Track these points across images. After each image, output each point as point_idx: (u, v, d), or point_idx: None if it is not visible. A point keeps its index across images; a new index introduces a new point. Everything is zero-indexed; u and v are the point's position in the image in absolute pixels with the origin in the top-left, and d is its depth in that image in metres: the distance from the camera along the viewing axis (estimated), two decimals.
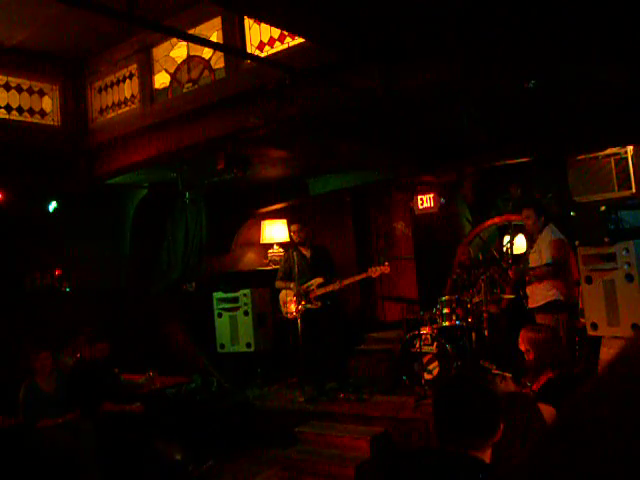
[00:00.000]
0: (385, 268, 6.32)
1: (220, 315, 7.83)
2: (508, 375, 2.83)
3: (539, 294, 5.37)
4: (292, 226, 6.86)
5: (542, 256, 5.37)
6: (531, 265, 5.49)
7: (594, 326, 5.01)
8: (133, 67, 6.54)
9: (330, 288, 6.47)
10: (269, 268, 8.54)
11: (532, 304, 5.42)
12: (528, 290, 5.50)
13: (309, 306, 6.49)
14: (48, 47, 6.35)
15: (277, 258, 8.45)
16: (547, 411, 2.93)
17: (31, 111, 6.69)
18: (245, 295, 7.68)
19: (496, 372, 2.80)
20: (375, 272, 6.36)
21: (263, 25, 5.39)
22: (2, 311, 6.55)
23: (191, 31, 5.55)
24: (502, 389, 2.82)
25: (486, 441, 1.91)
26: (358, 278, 6.60)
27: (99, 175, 7.01)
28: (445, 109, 5.41)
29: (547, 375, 3.49)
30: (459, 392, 2.01)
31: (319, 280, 6.51)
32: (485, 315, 5.80)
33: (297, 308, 6.46)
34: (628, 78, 4.78)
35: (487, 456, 1.93)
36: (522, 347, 3.55)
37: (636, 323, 4.64)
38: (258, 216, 9.04)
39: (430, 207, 7.74)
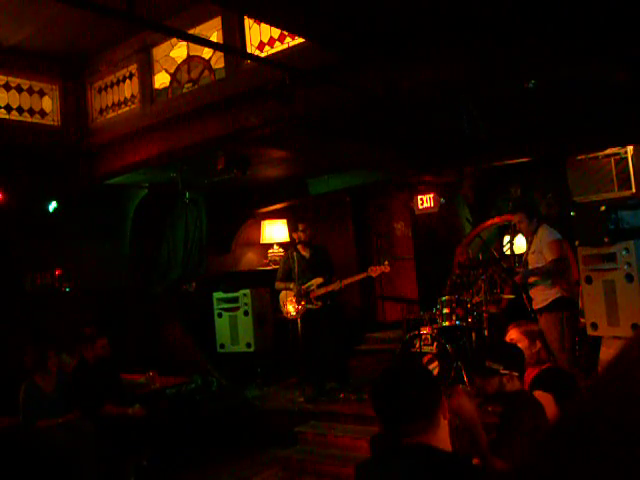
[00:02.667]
0: (385, 267, 6.33)
1: (220, 315, 7.83)
2: (515, 374, 2.84)
3: (542, 294, 5.37)
4: (300, 225, 6.87)
5: (543, 255, 5.38)
6: (531, 266, 5.49)
7: (594, 326, 5.00)
8: (133, 67, 6.54)
9: (331, 288, 6.48)
10: (269, 268, 8.54)
11: (537, 305, 5.43)
12: (532, 293, 5.50)
13: (309, 306, 6.49)
14: (48, 47, 6.35)
15: (277, 258, 8.45)
16: (545, 399, 2.96)
17: (31, 111, 6.69)
18: (245, 295, 7.68)
19: (504, 372, 2.81)
20: (375, 271, 6.37)
21: (263, 25, 5.39)
22: (2, 311, 6.55)
23: (191, 31, 5.54)
24: (509, 388, 2.83)
25: (432, 423, 1.81)
26: (358, 278, 6.61)
27: (99, 175, 7.00)
28: (445, 109, 5.41)
29: (536, 369, 3.51)
30: (390, 382, 1.94)
31: (319, 280, 6.52)
32: (485, 315, 5.81)
33: (297, 308, 6.46)
34: (628, 78, 4.78)
35: (441, 437, 1.83)
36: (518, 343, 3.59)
37: (636, 323, 4.63)
38: (258, 216, 9.04)
39: (430, 207, 7.74)
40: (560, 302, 5.28)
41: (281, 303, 6.81)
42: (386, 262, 6.40)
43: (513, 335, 3.58)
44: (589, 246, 5.02)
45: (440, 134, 6.51)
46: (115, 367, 5.72)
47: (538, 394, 3.07)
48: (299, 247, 6.76)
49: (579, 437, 0.54)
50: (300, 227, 6.84)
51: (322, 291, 6.49)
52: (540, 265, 5.39)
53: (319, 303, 6.50)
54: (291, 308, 6.57)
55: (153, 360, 6.80)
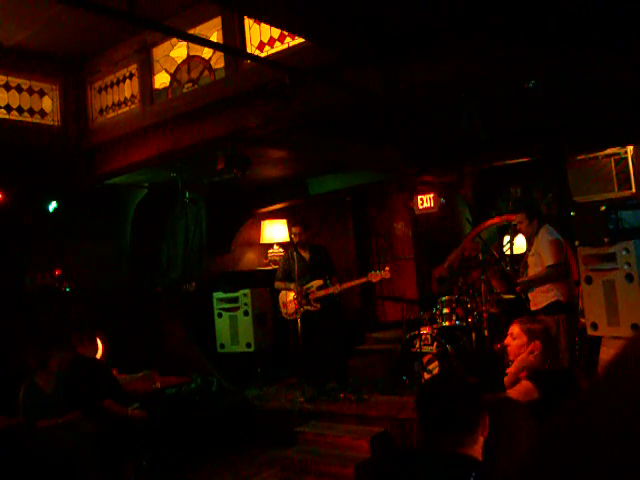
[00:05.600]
0: (385, 274, 6.26)
1: (220, 315, 7.83)
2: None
3: (540, 297, 5.37)
4: (293, 228, 6.82)
5: (542, 258, 5.36)
6: (530, 268, 5.48)
7: (594, 326, 5.01)
8: (133, 67, 6.54)
9: (330, 291, 6.46)
10: (269, 268, 8.54)
11: (534, 307, 5.42)
12: (530, 294, 5.50)
13: (308, 308, 6.48)
14: (48, 47, 6.35)
15: (277, 258, 8.45)
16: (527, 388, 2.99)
17: (31, 111, 6.68)
18: (245, 295, 7.68)
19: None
20: (375, 277, 6.32)
21: (263, 25, 5.39)
22: (2, 311, 6.54)
23: (191, 31, 5.54)
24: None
25: (472, 437, 1.90)
26: (358, 282, 6.57)
27: (99, 175, 7.00)
28: (445, 109, 5.41)
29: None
30: (439, 391, 2.02)
31: (319, 282, 6.50)
32: (485, 315, 5.80)
33: (297, 308, 6.45)
34: (629, 78, 4.78)
35: (477, 452, 1.92)
36: (509, 340, 3.57)
37: (636, 323, 4.63)
38: (258, 216, 9.04)
39: (430, 207, 7.74)
40: (556, 305, 5.27)
41: (281, 303, 6.81)
42: (387, 268, 6.32)
43: (514, 330, 3.57)
44: (589, 246, 5.02)
45: (440, 134, 6.51)
46: (113, 367, 5.72)
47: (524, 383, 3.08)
48: (299, 248, 6.75)
49: (577, 437, 0.54)
50: (294, 230, 6.76)
51: (321, 293, 6.48)
52: (538, 269, 5.38)
53: (317, 305, 6.49)
54: (291, 308, 6.57)
55: (153, 360, 6.80)
